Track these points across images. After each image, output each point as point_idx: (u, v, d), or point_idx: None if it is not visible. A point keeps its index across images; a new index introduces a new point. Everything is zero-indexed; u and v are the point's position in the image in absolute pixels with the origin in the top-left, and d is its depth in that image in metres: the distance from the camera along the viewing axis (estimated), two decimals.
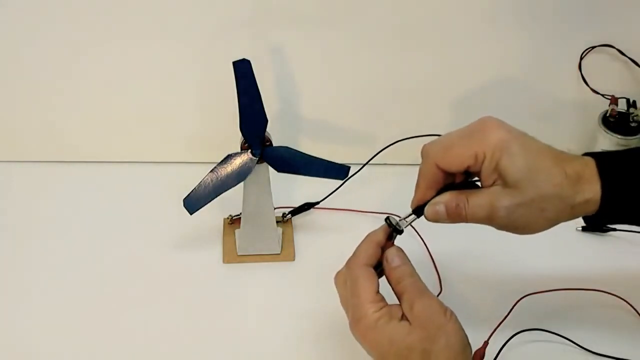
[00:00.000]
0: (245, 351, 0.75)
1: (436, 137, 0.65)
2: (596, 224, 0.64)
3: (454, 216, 0.62)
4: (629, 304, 0.77)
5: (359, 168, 0.89)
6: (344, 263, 0.65)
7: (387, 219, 0.65)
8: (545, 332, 0.75)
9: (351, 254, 0.64)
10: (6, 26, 0.85)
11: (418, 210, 0.65)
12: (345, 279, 0.63)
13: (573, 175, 0.60)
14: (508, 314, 0.75)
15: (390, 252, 0.64)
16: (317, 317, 0.77)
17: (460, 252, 0.83)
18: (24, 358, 0.74)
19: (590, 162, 0.61)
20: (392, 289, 0.63)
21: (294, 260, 0.84)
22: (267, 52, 0.87)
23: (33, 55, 0.87)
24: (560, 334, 0.74)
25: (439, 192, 0.63)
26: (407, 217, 0.65)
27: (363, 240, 0.65)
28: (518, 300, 0.76)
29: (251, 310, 0.79)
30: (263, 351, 0.75)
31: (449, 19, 0.86)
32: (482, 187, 0.62)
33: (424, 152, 0.64)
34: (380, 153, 0.91)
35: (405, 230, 0.65)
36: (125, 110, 0.91)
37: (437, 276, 0.80)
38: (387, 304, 0.61)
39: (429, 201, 0.64)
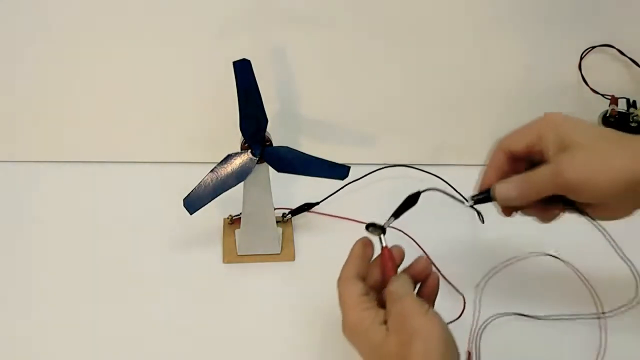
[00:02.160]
0: (245, 351, 0.75)
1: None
2: None
3: (524, 190, 0.62)
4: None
5: (360, 176, 0.89)
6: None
7: (367, 226, 0.66)
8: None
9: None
10: (7, 26, 0.85)
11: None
12: None
13: (637, 138, 0.60)
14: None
15: (391, 285, 0.63)
16: (317, 317, 0.77)
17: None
18: (23, 357, 0.74)
19: None
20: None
21: (294, 260, 0.84)
22: (267, 52, 0.87)
23: (33, 55, 0.87)
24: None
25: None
26: (389, 219, 0.66)
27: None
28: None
29: (251, 310, 0.78)
30: (263, 351, 0.75)
31: (449, 19, 0.86)
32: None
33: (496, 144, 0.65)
34: (381, 154, 0.92)
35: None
36: (125, 110, 0.91)
37: None
38: (372, 306, 0.61)
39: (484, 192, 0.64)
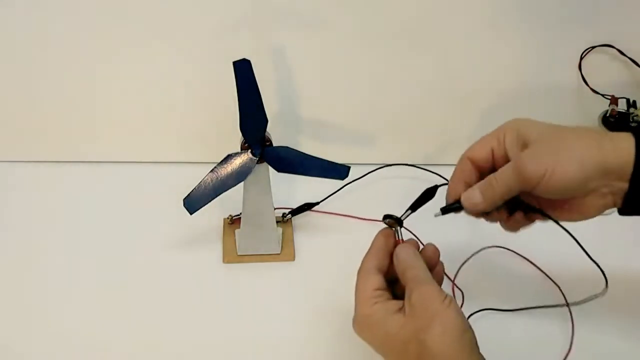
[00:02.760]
0: (245, 351, 0.75)
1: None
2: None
3: (489, 193, 0.62)
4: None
5: (360, 175, 0.89)
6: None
7: (384, 218, 0.66)
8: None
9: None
10: (7, 26, 0.85)
11: (451, 208, 0.65)
12: None
13: (598, 131, 0.61)
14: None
15: (397, 249, 0.64)
16: (316, 317, 0.77)
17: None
18: (23, 357, 0.74)
19: (626, 135, 0.59)
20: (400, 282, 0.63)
21: (294, 260, 0.84)
22: (267, 52, 0.87)
23: (33, 55, 0.87)
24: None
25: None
26: (405, 213, 0.66)
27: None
28: None
29: (251, 310, 0.79)
30: (263, 351, 0.75)
31: (449, 19, 0.86)
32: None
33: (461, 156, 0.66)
34: (381, 154, 0.92)
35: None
36: (126, 111, 0.91)
37: None
38: (385, 299, 0.61)
39: (455, 203, 0.65)
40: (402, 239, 0.65)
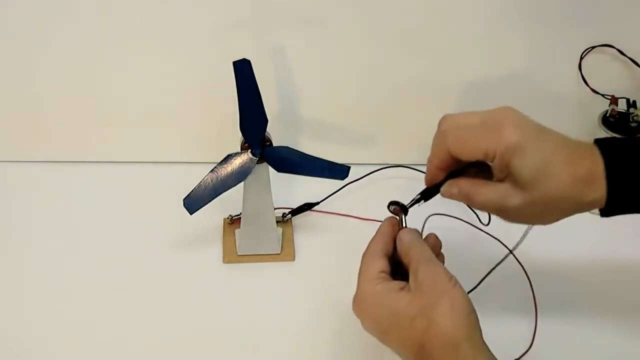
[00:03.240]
0: (245, 351, 0.75)
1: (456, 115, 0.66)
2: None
3: (466, 201, 0.64)
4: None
5: (360, 176, 0.89)
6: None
7: (389, 205, 0.66)
8: None
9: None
10: (7, 27, 0.85)
11: (426, 193, 0.66)
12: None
13: (582, 177, 0.60)
14: None
15: (400, 232, 0.65)
16: (316, 317, 0.77)
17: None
18: (22, 357, 0.74)
19: (599, 161, 0.60)
20: (403, 264, 0.63)
21: (294, 260, 0.84)
22: (267, 52, 0.87)
23: (33, 55, 0.87)
24: None
25: (452, 175, 0.64)
26: (413, 200, 0.66)
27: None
28: None
29: (251, 310, 0.78)
30: (263, 351, 0.75)
31: (449, 19, 0.86)
32: (494, 178, 0.63)
33: (441, 132, 0.64)
34: (382, 154, 0.91)
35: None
36: (126, 111, 0.91)
37: None
38: (388, 280, 0.62)
39: (439, 184, 0.65)
40: (406, 227, 0.66)
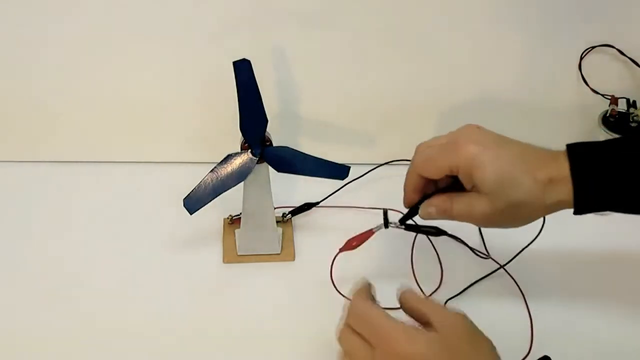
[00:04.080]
0: (245, 351, 0.75)
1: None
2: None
3: (443, 217, 0.68)
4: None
5: (360, 174, 0.89)
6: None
7: (385, 211, 0.71)
8: None
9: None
10: (7, 27, 0.85)
11: (404, 218, 0.72)
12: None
13: (544, 180, 0.63)
14: None
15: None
16: (316, 317, 0.77)
17: None
18: (23, 356, 0.74)
19: (564, 163, 0.63)
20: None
21: (294, 260, 0.84)
22: (267, 52, 0.87)
23: (33, 56, 0.87)
24: None
25: (430, 195, 0.69)
26: (397, 224, 0.72)
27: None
28: None
29: (251, 310, 0.78)
30: (263, 351, 0.75)
31: (449, 19, 0.86)
32: (465, 188, 0.66)
33: (413, 159, 0.69)
34: (382, 154, 0.91)
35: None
36: (126, 110, 0.91)
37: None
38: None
39: (417, 203, 0.69)
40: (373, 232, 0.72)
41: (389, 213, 0.73)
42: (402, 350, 0.57)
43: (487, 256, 0.82)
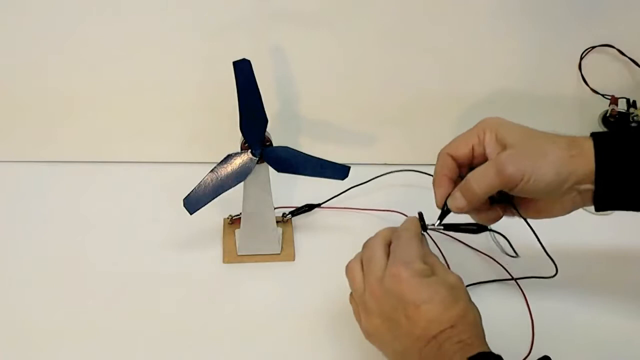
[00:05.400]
0: (245, 351, 0.75)
1: None
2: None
3: (470, 195, 0.65)
4: None
5: (361, 178, 0.89)
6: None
7: (420, 214, 0.68)
8: None
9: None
10: (7, 29, 0.85)
11: (443, 212, 0.68)
12: (365, 257, 0.65)
13: (565, 136, 0.64)
14: None
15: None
16: (317, 317, 0.77)
17: None
18: (24, 356, 0.74)
19: (588, 141, 0.64)
20: None
21: (294, 260, 0.84)
22: (267, 52, 0.87)
23: (33, 56, 0.87)
24: None
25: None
26: (436, 226, 0.69)
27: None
28: None
29: (251, 310, 0.78)
30: (263, 351, 0.75)
31: (449, 19, 0.86)
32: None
33: (438, 155, 0.68)
34: (382, 154, 0.91)
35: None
36: (126, 110, 0.91)
37: None
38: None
39: (445, 207, 0.67)
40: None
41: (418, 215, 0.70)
42: (370, 286, 0.62)
43: (516, 255, 0.82)
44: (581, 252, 0.85)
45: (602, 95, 0.89)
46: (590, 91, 0.89)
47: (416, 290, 0.60)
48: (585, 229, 0.85)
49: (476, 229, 0.71)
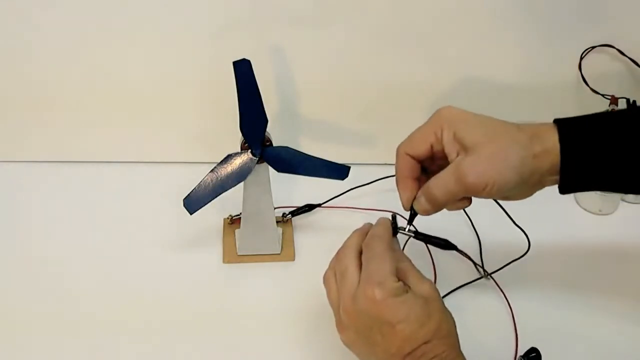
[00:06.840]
0: (245, 351, 0.75)
1: None
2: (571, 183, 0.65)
3: (433, 201, 0.65)
4: None
5: (363, 177, 0.89)
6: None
7: (393, 216, 0.68)
8: None
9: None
10: (6, 25, 0.85)
11: (411, 215, 0.68)
12: (337, 269, 0.66)
13: (527, 130, 0.63)
14: None
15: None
16: (316, 317, 0.77)
17: None
18: (24, 356, 0.74)
19: (546, 123, 0.63)
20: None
21: (294, 260, 0.84)
22: (267, 52, 0.87)
23: (33, 56, 0.87)
24: None
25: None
26: (406, 231, 0.69)
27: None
28: None
29: (251, 310, 0.78)
30: (263, 351, 0.75)
31: (449, 19, 0.86)
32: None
33: (396, 153, 0.67)
34: (382, 154, 0.91)
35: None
36: (126, 111, 0.91)
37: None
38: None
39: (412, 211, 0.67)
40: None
41: (397, 218, 0.70)
42: (344, 304, 0.62)
43: (486, 274, 0.82)
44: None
45: (602, 95, 0.89)
46: (590, 91, 0.89)
47: (390, 311, 0.60)
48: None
49: (444, 244, 0.72)
